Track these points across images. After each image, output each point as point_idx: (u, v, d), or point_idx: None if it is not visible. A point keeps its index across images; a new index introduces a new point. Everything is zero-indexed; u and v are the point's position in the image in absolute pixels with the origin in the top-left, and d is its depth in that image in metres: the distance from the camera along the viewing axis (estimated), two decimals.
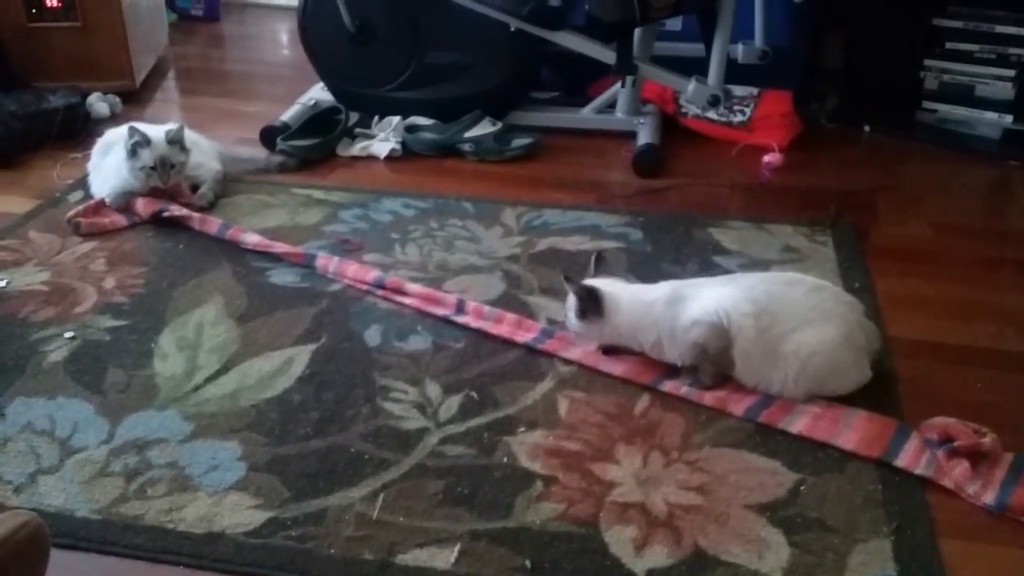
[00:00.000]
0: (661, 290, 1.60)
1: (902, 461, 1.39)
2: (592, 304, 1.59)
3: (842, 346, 1.50)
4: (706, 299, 1.54)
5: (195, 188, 2.26)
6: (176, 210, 2.14)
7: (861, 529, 1.28)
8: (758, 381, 1.54)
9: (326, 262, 1.94)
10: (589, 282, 1.62)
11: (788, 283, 1.56)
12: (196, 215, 2.13)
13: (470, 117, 2.55)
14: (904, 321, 1.77)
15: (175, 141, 2.16)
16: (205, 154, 2.34)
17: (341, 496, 1.35)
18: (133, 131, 2.12)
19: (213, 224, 2.09)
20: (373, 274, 1.89)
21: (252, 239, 2.02)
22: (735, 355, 1.52)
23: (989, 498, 1.33)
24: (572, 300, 1.61)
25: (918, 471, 1.38)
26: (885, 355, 1.60)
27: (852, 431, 1.45)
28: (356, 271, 1.90)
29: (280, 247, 2.00)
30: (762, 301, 1.51)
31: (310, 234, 2.11)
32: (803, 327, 1.50)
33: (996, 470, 1.37)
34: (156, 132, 2.15)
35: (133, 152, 2.12)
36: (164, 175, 2.14)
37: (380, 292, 1.86)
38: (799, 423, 1.47)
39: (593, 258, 1.71)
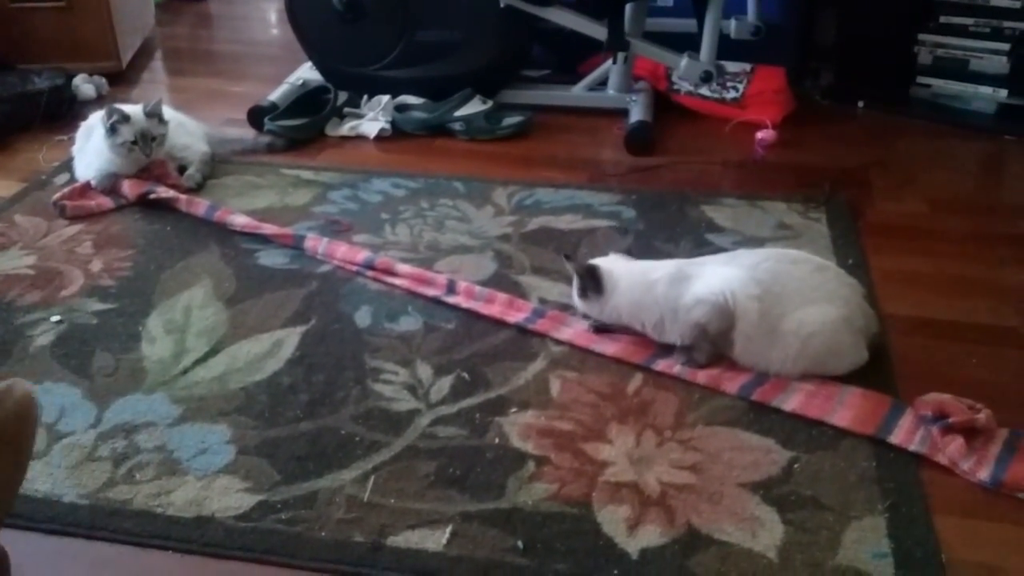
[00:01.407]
0: (665, 268, 1.58)
1: (896, 438, 1.39)
2: (592, 282, 1.58)
3: (842, 328, 1.49)
4: (711, 278, 1.53)
5: (182, 170, 2.24)
6: (163, 192, 2.12)
7: (855, 506, 1.28)
8: (756, 361, 1.52)
9: (315, 243, 1.92)
10: (591, 261, 1.61)
11: (792, 261, 1.55)
12: (183, 197, 2.10)
13: (460, 96, 2.53)
14: (898, 297, 1.76)
15: (153, 114, 2.15)
16: (192, 135, 2.32)
17: (332, 479, 1.33)
18: (112, 110, 2.10)
19: (200, 206, 2.06)
20: (363, 255, 1.87)
21: (240, 220, 2.00)
22: (735, 336, 1.51)
23: (984, 474, 1.32)
24: (575, 279, 1.61)
25: (912, 448, 1.37)
26: (881, 337, 1.59)
27: (846, 408, 1.44)
28: (346, 252, 1.88)
29: (269, 228, 1.98)
30: (767, 282, 1.50)
31: (299, 215, 2.09)
32: (804, 306, 1.48)
33: (991, 446, 1.37)
34: (134, 108, 2.14)
35: (113, 129, 2.10)
36: (146, 148, 2.13)
37: (370, 273, 1.84)
38: (793, 401, 1.46)
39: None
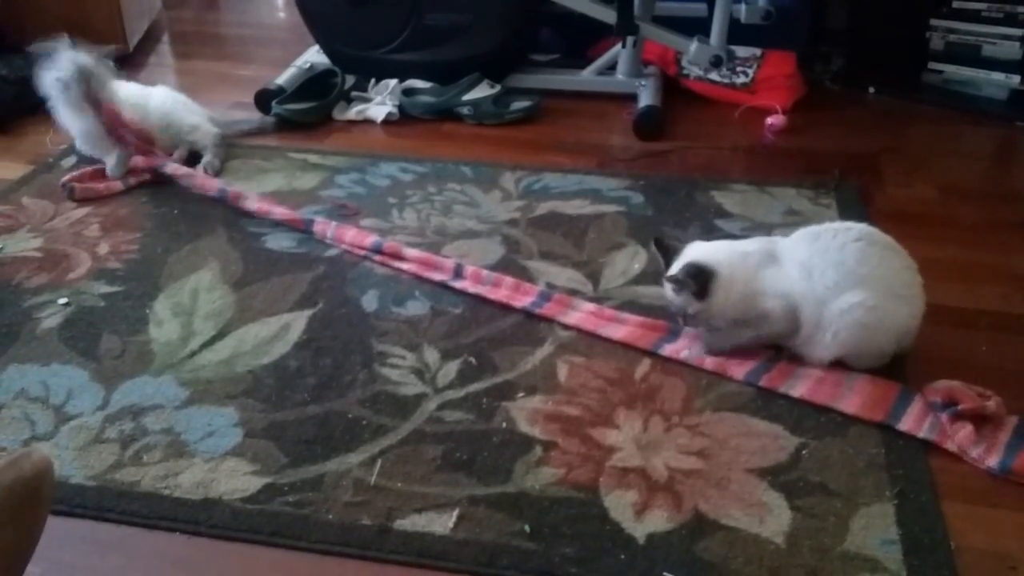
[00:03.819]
0: (756, 246, 1.53)
1: (905, 425, 1.38)
2: (703, 280, 1.49)
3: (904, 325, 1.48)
4: (787, 277, 1.48)
5: (195, 155, 2.24)
6: (174, 168, 2.12)
7: (864, 493, 1.27)
8: (809, 353, 1.51)
9: (323, 227, 1.91)
10: (692, 260, 1.51)
11: (883, 246, 1.50)
12: (197, 173, 2.12)
13: (468, 80, 2.51)
14: None
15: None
16: (198, 114, 2.31)
17: (339, 462, 1.33)
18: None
19: (213, 185, 2.06)
20: (370, 239, 1.87)
21: (253, 202, 2.00)
22: (796, 340, 1.50)
23: (993, 461, 1.31)
24: (677, 290, 1.51)
25: (921, 435, 1.37)
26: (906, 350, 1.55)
27: (855, 395, 1.44)
28: (353, 236, 1.88)
29: (280, 212, 1.97)
30: (848, 272, 1.45)
31: (307, 199, 2.08)
32: (887, 299, 1.46)
33: (1000, 433, 1.36)
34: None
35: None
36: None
37: (377, 257, 1.83)
38: (801, 387, 1.46)
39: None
